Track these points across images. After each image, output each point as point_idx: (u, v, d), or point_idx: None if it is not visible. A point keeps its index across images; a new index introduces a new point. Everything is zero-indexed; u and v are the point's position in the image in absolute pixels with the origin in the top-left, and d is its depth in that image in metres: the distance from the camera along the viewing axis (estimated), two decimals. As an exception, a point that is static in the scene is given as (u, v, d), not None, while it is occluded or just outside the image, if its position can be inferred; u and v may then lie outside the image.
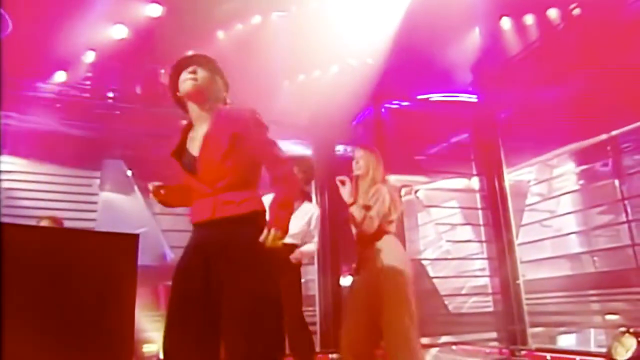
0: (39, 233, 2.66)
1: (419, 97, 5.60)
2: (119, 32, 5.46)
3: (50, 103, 5.43)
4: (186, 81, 1.87)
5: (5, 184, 4.94)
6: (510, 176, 5.31)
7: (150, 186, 1.94)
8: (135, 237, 2.49)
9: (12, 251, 2.05)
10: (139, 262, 2.55)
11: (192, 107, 1.91)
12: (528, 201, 5.27)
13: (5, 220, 4.04)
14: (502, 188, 5.29)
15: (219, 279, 1.70)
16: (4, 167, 5.01)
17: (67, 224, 4.58)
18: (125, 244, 2.48)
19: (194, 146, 1.85)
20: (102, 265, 2.36)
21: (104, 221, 4.86)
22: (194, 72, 1.87)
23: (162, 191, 1.94)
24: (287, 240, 2.85)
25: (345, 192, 2.95)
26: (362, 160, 3.10)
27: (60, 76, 5.57)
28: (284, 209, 1.71)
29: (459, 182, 5.67)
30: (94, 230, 3.75)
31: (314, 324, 5.26)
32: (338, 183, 2.95)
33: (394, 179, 4.97)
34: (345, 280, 5.33)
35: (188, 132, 1.94)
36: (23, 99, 5.31)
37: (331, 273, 5.41)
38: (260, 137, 1.81)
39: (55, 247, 2.30)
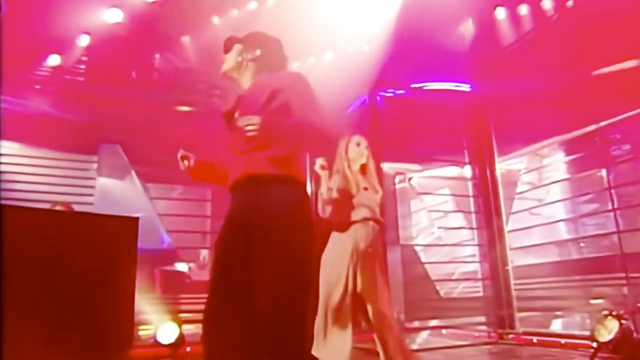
0: (39, 215, 2.65)
1: (414, 85, 5.64)
2: (114, 16, 5.44)
3: (45, 87, 5.44)
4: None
5: (1, 168, 4.94)
6: (502, 165, 5.42)
7: (180, 153, 1.94)
8: (135, 220, 2.59)
9: (14, 232, 2.10)
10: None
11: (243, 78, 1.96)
12: (518, 189, 5.38)
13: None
14: (493, 176, 5.40)
15: (253, 247, 1.63)
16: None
17: (71, 190, 4.67)
18: (125, 227, 2.57)
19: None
20: (102, 247, 2.42)
21: (100, 205, 4.89)
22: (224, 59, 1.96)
23: (187, 162, 1.92)
24: None
25: (325, 178, 2.89)
26: (368, 150, 3.14)
27: (54, 60, 5.56)
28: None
29: (452, 170, 5.76)
30: (94, 213, 3.74)
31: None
32: (319, 170, 2.85)
33: (387, 166, 5.07)
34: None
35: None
36: (18, 83, 5.29)
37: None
38: (301, 96, 1.75)
39: (56, 229, 2.36)
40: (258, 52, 1.94)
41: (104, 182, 5.26)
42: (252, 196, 1.69)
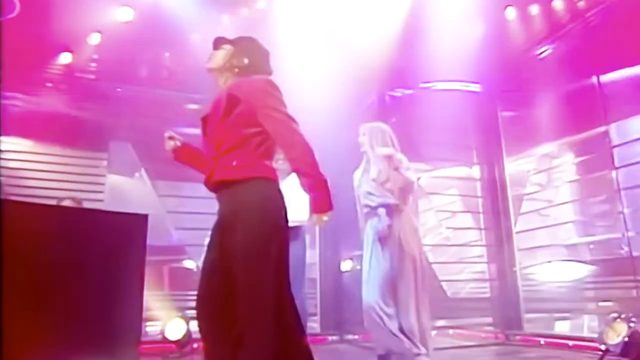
0: (48, 211, 2.65)
1: (423, 85, 5.62)
2: (125, 15, 5.47)
3: (57, 85, 5.48)
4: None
5: (12, 164, 5.00)
6: (511, 165, 5.39)
7: (167, 133, 2.08)
8: (145, 217, 2.59)
9: (22, 228, 2.11)
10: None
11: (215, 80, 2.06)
12: (527, 190, 5.34)
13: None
14: (502, 177, 5.38)
15: (227, 247, 1.76)
16: (11, 148, 5.07)
17: (81, 187, 4.74)
18: (135, 224, 2.57)
19: None
20: (112, 244, 2.43)
21: (110, 202, 4.93)
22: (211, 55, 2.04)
23: (174, 142, 2.06)
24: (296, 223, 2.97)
25: None
26: (364, 137, 3.23)
27: (66, 58, 5.60)
28: (318, 190, 1.74)
29: (460, 171, 5.74)
30: (104, 209, 3.78)
31: (314, 306, 5.37)
32: None
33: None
34: (345, 265, 5.42)
35: None
36: (30, 80, 5.35)
37: (331, 257, 5.51)
38: (266, 103, 1.81)
39: (65, 225, 2.36)
40: (246, 60, 2.00)
41: (114, 179, 5.31)
42: (221, 199, 1.85)
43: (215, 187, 1.84)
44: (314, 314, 5.36)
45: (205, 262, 1.86)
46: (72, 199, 3.58)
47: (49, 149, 5.19)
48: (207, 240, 1.90)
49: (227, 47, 2.04)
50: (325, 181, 1.76)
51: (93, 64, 5.74)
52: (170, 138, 2.07)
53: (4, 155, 4.95)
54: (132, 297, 2.51)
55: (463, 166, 5.72)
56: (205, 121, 1.93)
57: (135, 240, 2.56)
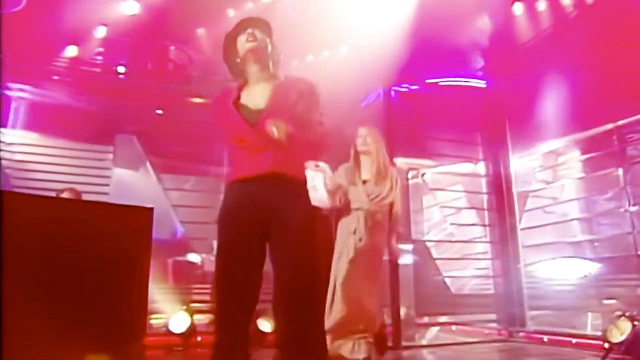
0: (53, 204, 2.72)
1: (429, 80, 5.59)
2: (131, 8, 5.47)
3: (63, 77, 5.46)
4: (247, 42, 1.93)
5: (18, 157, 5.01)
6: (516, 162, 5.36)
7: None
8: (150, 210, 2.60)
9: (26, 220, 2.14)
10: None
11: (252, 68, 1.97)
12: (532, 187, 5.31)
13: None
14: (507, 173, 5.35)
15: (271, 234, 1.75)
16: (16, 140, 5.09)
17: (86, 180, 4.78)
18: (140, 217, 2.59)
19: (255, 101, 1.89)
20: (117, 237, 2.43)
21: (116, 195, 4.92)
22: (252, 34, 1.94)
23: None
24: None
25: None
26: (369, 138, 3.24)
27: (72, 50, 5.61)
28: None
29: (465, 167, 5.72)
30: (110, 202, 3.80)
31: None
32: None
33: (401, 161, 5.05)
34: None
35: (241, 90, 1.99)
36: (36, 73, 5.34)
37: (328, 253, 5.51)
38: (313, 107, 1.87)
39: (70, 217, 2.37)
40: (274, 48, 2.01)
41: (120, 173, 5.32)
42: (276, 191, 1.77)
43: (270, 178, 1.78)
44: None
45: (232, 248, 1.79)
46: (71, 190, 3.58)
47: (55, 141, 5.20)
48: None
49: (259, 31, 1.98)
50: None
51: (99, 57, 5.75)
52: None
53: (9, 148, 4.98)
54: (137, 290, 2.52)
55: (468, 162, 5.70)
56: (255, 112, 1.86)
57: (141, 233, 2.55)
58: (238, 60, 1.98)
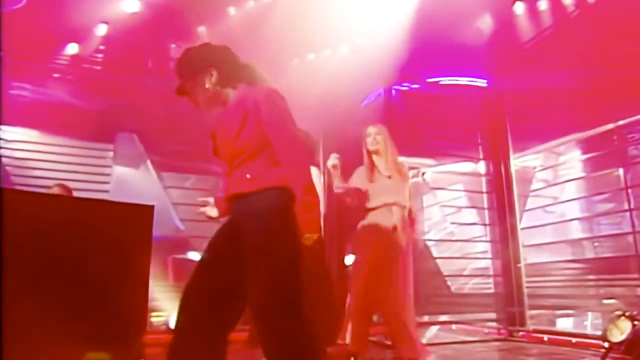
0: (54, 201, 2.76)
1: (429, 80, 5.59)
2: (132, 6, 5.46)
3: (63, 75, 5.49)
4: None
5: (19, 154, 5.01)
6: (517, 162, 5.35)
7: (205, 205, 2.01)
8: (151, 207, 2.62)
9: (26, 218, 2.15)
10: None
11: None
12: (533, 187, 5.32)
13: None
14: (508, 173, 5.33)
15: (239, 253, 1.74)
16: (17, 138, 5.08)
17: (80, 195, 4.67)
18: (141, 215, 2.60)
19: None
20: (118, 234, 2.44)
21: (116, 193, 4.95)
22: (180, 87, 1.91)
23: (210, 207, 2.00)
24: None
25: (337, 176, 3.15)
26: (379, 136, 3.26)
27: (72, 48, 5.60)
28: (308, 212, 1.83)
29: (466, 166, 5.72)
30: (111, 200, 3.83)
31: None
32: (330, 168, 3.12)
33: (401, 160, 5.03)
34: (349, 259, 5.41)
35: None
36: (37, 71, 5.35)
37: (337, 252, 5.51)
38: (270, 116, 1.79)
39: (71, 215, 2.38)
40: (215, 74, 1.88)
41: (120, 171, 5.33)
42: (236, 211, 1.81)
43: (230, 200, 1.83)
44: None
45: (205, 257, 1.84)
46: (61, 185, 3.57)
47: (55, 139, 5.21)
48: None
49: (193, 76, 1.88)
50: (317, 204, 1.80)
51: (100, 55, 5.74)
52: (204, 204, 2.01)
53: (10, 146, 4.98)
54: (138, 287, 2.54)
55: (469, 162, 5.70)
56: (214, 138, 1.89)
57: (141, 231, 2.57)
58: None
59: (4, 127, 4.94)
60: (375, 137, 3.32)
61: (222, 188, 1.92)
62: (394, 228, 3.16)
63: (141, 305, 2.60)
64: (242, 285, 1.70)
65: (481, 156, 5.62)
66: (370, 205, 3.25)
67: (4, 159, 4.89)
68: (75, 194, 4.39)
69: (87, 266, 2.32)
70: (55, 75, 5.50)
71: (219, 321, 1.74)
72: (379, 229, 3.15)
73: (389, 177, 3.27)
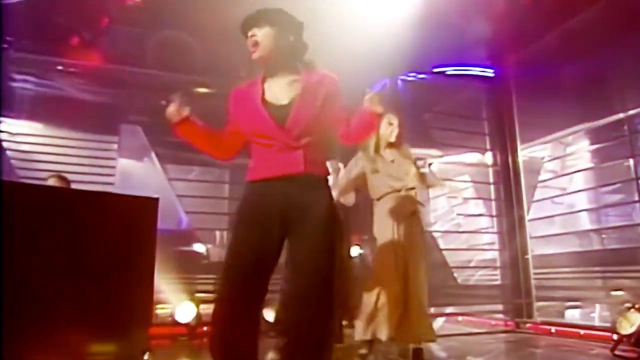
0: (59, 193, 2.77)
1: (435, 69, 5.51)
2: (136, -4, 5.38)
3: (67, 67, 5.41)
4: (251, 51, 1.83)
5: (23, 147, 4.98)
6: (524, 152, 5.29)
7: (175, 102, 1.83)
8: (156, 200, 2.62)
9: (32, 210, 2.15)
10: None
11: (267, 69, 1.90)
12: (541, 177, 5.25)
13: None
14: (515, 163, 5.28)
15: (294, 239, 1.75)
16: (21, 131, 5.05)
17: (85, 187, 4.65)
18: (145, 207, 2.60)
19: (277, 96, 1.82)
20: (122, 227, 2.45)
21: (121, 185, 4.92)
22: (254, 39, 1.82)
23: (184, 112, 1.83)
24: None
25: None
26: (398, 130, 3.21)
27: (76, 40, 5.55)
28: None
29: (473, 157, 5.66)
30: (117, 193, 3.71)
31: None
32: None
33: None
34: (354, 251, 5.39)
35: (263, 84, 1.89)
36: (40, 63, 5.29)
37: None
38: (338, 104, 1.87)
39: (76, 207, 2.37)
40: (291, 38, 1.87)
41: (125, 163, 5.31)
42: (303, 191, 1.76)
43: (301, 179, 1.76)
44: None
45: (248, 242, 1.74)
46: (58, 176, 3.53)
47: (59, 132, 5.16)
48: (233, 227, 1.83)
49: (268, 28, 1.81)
50: None
51: (103, 47, 5.70)
52: (177, 107, 1.83)
53: (14, 138, 4.96)
54: (143, 280, 2.56)
55: (475, 152, 5.64)
56: (288, 107, 1.79)
57: (146, 224, 2.57)
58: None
59: (8, 120, 4.90)
60: (396, 129, 3.26)
61: (276, 162, 1.78)
62: (412, 213, 3.12)
63: (146, 297, 2.59)
64: (273, 266, 1.74)
65: (488, 147, 5.56)
66: (377, 194, 3.20)
67: (8, 152, 4.85)
68: (80, 186, 4.37)
69: (91, 258, 2.31)
70: (59, 67, 5.42)
71: (259, 295, 1.73)
72: (397, 216, 3.09)
73: (392, 161, 3.21)
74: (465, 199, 5.59)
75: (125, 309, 2.42)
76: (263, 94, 1.85)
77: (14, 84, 5.12)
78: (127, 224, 2.48)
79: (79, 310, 2.24)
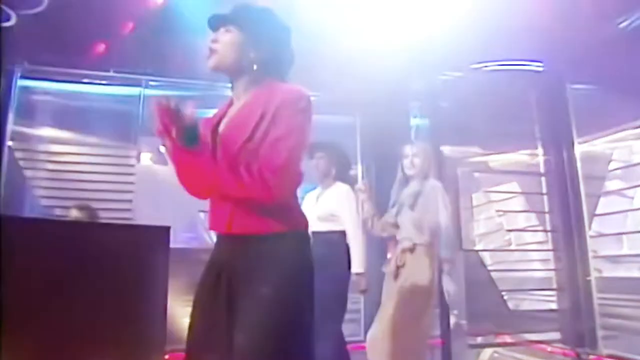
0: (70, 227, 2.78)
1: (476, 65, 5.00)
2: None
3: (86, 76, 5.37)
4: (208, 53, 1.45)
5: (43, 156, 4.99)
6: (583, 154, 4.66)
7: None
8: (167, 229, 2.57)
9: (43, 244, 2.15)
10: (176, 245, 2.77)
11: (233, 82, 1.51)
12: (605, 187, 4.60)
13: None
14: (572, 170, 4.67)
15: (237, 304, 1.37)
16: (46, 141, 5.03)
17: (106, 196, 4.75)
18: (156, 237, 2.59)
19: (223, 125, 1.47)
20: (134, 258, 2.44)
21: (141, 192, 4.87)
22: (215, 40, 1.45)
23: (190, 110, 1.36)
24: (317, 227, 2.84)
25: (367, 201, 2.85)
26: (417, 159, 2.78)
27: (95, 48, 5.40)
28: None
29: (522, 163, 5.11)
30: (126, 223, 3.81)
31: (357, 311, 5.00)
32: (358, 192, 2.88)
33: (449, 149, 4.56)
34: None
35: (230, 105, 1.53)
36: (61, 73, 5.25)
37: (376, 261, 5.07)
38: (282, 124, 1.34)
39: (87, 240, 2.37)
40: (267, 47, 1.46)
41: (145, 170, 5.25)
42: (237, 255, 1.38)
43: (232, 240, 1.41)
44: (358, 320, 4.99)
45: (200, 314, 1.43)
46: (80, 207, 3.39)
47: (79, 140, 5.12)
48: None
49: (234, 32, 1.45)
50: None
51: (122, 54, 5.56)
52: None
53: (37, 147, 4.98)
54: (156, 308, 2.51)
55: (525, 158, 5.08)
56: (213, 139, 1.44)
57: (158, 254, 2.56)
58: None
59: (27, 130, 4.94)
60: (412, 159, 2.84)
61: (212, 214, 1.47)
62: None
63: (159, 324, 2.53)
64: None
65: (540, 150, 4.96)
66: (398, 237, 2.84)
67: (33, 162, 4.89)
68: (101, 194, 4.68)
69: (103, 291, 2.29)
70: (79, 76, 5.34)
71: None
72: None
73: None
74: (515, 212, 5.02)
75: (138, 336, 2.40)
76: (220, 119, 1.48)
77: (35, 97, 5.13)
78: (138, 254, 2.49)
79: (90, 340, 2.21)
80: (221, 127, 1.46)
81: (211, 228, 1.48)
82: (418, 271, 2.70)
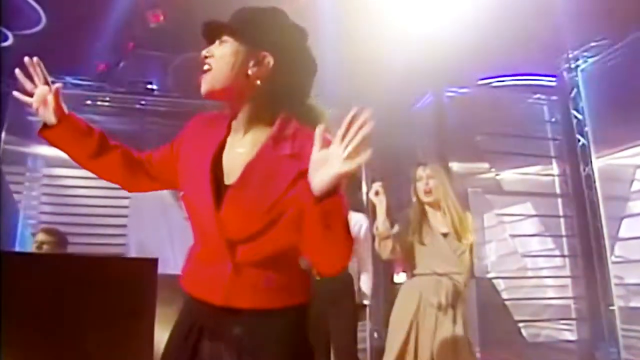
0: (52, 261, 2.67)
1: (484, 81, 4.88)
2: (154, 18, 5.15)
3: (87, 97, 5.42)
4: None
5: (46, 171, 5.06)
6: (602, 174, 4.39)
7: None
8: (154, 261, 2.51)
9: (27, 279, 2.08)
10: (171, 271, 2.36)
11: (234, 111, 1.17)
12: (629, 208, 4.28)
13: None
14: (591, 189, 4.40)
15: None
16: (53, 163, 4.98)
17: (104, 211, 4.81)
18: (144, 270, 2.52)
19: (230, 166, 1.10)
20: (121, 291, 2.38)
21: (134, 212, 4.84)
22: (207, 56, 1.11)
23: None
24: None
25: (381, 213, 2.42)
26: (433, 180, 2.49)
27: (96, 68, 5.36)
28: None
29: (536, 183, 4.85)
30: (113, 256, 3.77)
31: (362, 340, 4.78)
32: (372, 198, 2.47)
33: (457, 166, 4.39)
34: (399, 278, 4.81)
35: (227, 135, 1.17)
36: (69, 97, 5.25)
37: (384, 269, 4.81)
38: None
39: (73, 274, 2.31)
40: (270, 60, 1.10)
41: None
42: (234, 329, 1.08)
43: (228, 313, 1.08)
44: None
45: None
46: (47, 231, 3.25)
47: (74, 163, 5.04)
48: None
49: (229, 41, 1.11)
50: None
51: (123, 74, 5.51)
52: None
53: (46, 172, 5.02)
54: (143, 341, 2.39)
55: (539, 177, 4.82)
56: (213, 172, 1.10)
57: (146, 286, 2.47)
58: None
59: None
60: (428, 181, 2.51)
61: (200, 276, 1.14)
62: (439, 306, 2.33)
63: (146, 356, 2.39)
64: None
65: (556, 169, 4.75)
66: (415, 270, 2.48)
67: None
68: (94, 219, 4.71)
69: (89, 325, 2.22)
70: (81, 96, 5.37)
71: None
72: (417, 306, 2.38)
73: (445, 234, 2.45)
74: (530, 236, 4.73)
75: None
76: (222, 146, 1.14)
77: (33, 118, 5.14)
78: (124, 288, 2.41)
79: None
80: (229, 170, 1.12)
81: (194, 294, 1.13)
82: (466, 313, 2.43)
